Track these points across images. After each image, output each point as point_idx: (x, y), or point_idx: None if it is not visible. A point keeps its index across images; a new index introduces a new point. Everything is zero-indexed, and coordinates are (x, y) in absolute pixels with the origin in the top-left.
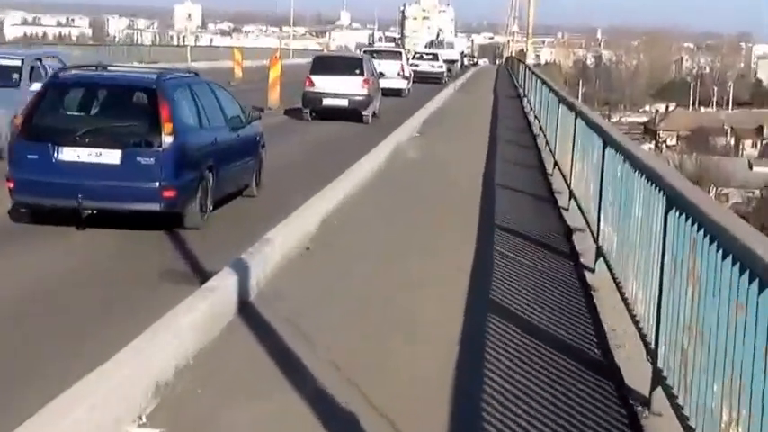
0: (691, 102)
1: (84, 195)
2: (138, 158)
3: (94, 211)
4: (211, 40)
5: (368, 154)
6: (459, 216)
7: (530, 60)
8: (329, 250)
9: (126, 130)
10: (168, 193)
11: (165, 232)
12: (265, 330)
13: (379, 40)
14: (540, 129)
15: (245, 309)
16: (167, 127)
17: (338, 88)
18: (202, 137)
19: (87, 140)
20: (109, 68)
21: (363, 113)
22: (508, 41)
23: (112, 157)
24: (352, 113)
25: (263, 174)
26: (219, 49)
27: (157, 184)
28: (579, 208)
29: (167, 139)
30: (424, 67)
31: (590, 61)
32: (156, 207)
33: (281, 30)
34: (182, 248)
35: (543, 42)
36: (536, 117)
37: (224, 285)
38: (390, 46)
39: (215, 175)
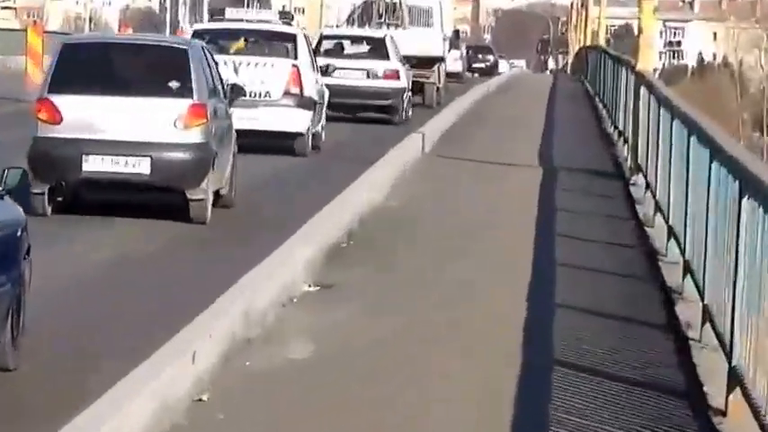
0: None
1: None
2: None
3: None
4: None
5: (178, 335)
6: None
7: (653, 64)
8: None
9: None
10: None
11: None
12: None
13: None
14: (687, 268)
15: None
16: None
17: (125, 129)
18: None
19: None
20: None
21: (192, 197)
22: (582, 5)
23: None
24: (160, 196)
25: (24, 315)
26: None
27: None
28: None
29: None
30: (351, 77)
31: None
32: None
33: None
34: None
35: (690, 6)
36: (671, 231)
37: None
38: (267, 20)
39: None
